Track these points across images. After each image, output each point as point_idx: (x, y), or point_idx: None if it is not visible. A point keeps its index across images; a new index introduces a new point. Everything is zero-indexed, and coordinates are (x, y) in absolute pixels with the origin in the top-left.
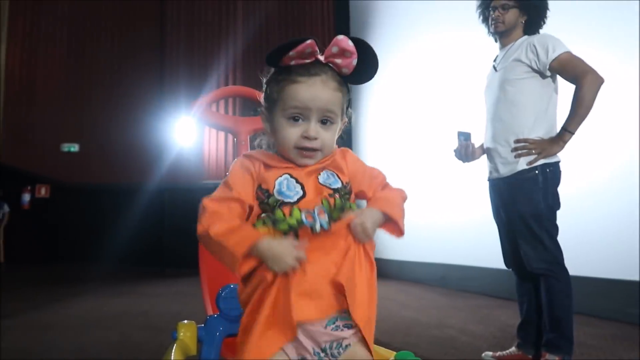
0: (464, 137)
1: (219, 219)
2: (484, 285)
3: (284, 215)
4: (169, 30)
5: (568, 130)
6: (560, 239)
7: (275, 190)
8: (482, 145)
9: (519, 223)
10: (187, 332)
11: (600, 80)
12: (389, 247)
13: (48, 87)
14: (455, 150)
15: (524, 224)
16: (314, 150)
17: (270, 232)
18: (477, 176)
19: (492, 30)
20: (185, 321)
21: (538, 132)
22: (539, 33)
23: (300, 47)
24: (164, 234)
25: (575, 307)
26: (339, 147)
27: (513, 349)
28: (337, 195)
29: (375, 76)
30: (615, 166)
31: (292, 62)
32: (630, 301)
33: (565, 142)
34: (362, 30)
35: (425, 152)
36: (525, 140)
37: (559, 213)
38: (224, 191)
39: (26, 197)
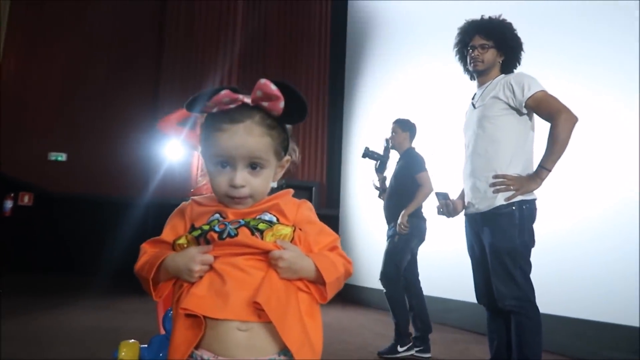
0: (442, 197)
1: (143, 255)
2: (463, 319)
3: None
4: (166, 43)
5: (545, 167)
6: (536, 276)
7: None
8: (462, 198)
9: (493, 258)
10: (128, 352)
11: (574, 119)
12: (370, 275)
13: (42, 94)
14: (437, 208)
15: (497, 259)
16: (243, 197)
17: (187, 239)
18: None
19: (471, 68)
20: (132, 340)
21: (516, 168)
22: (513, 72)
23: (216, 98)
24: None
25: (549, 346)
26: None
27: None
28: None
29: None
30: (610, 204)
31: (215, 110)
32: (606, 344)
33: (542, 180)
34: (359, 33)
35: None
36: (503, 176)
37: (556, 251)
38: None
39: (8, 204)
